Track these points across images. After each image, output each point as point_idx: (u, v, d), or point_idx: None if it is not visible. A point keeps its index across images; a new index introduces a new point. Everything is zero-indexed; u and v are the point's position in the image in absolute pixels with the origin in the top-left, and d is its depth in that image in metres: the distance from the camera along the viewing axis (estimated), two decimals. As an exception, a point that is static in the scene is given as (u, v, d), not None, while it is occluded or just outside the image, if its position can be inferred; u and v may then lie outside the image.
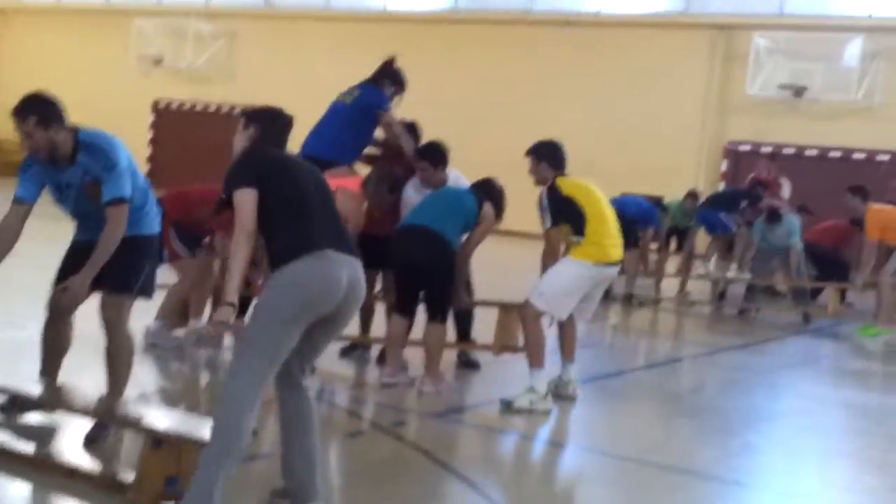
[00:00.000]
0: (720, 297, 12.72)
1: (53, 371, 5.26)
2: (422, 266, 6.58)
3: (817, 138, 19.94)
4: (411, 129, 7.44)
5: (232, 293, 4.00)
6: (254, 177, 4.08)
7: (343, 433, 5.75)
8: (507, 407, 6.31)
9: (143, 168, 26.61)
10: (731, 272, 12.47)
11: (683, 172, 20.15)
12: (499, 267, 12.14)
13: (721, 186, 20.76)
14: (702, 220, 13.18)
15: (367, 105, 7.14)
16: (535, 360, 6.40)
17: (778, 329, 11.57)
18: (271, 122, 4.32)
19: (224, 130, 19.10)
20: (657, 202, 13.57)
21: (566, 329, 6.69)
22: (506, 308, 7.12)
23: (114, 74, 26.62)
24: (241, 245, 4.00)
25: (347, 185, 6.74)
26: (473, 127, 21.29)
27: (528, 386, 6.38)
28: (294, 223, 4.06)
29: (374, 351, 7.56)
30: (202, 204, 7.10)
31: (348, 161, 7.20)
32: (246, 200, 4.04)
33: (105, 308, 4.99)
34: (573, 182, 6.53)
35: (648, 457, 5.71)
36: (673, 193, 15.30)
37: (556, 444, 6.17)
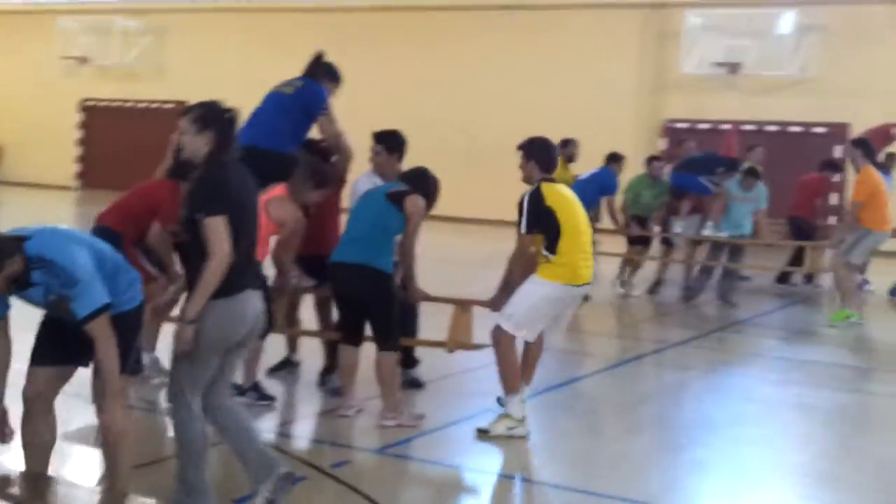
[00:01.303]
0: (656, 285, 12.82)
1: (41, 468, 4.54)
2: (359, 300, 6.41)
3: (754, 113, 19.96)
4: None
5: (194, 312, 4.36)
6: (226, 205, 4.35)
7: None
8: (484, 435, 6.20)
9: (73, 169, 26.58)
10: (708, 230, 12.28)
11: (621, 152, 20.03)
12: (435, 257, 11.79)
13: (661, 165, 20.76)
14: (676, 183, 12.82)
15: (308, 101, 6.89)
16: (510, 386, 6.25)
17: (718, 321, 11.56)
18: (228, 123, 4.51)
19: (156, 127, 19.19)
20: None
21: (531, 349, 6.47)
22: (461, 304, 6.94)
23: (39, 76, 26.00)
24: (217, 273, 4.32)
25: (276, 192, 6.58)
26: (411, 111, 21.04)
27: (504, 412, 6.25)
28: (234, 257, 4.36)
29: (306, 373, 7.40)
30: (150, 214, 6.83)
31: (285, 149, 6.92)
32: (222, 229, 4.33)
33: (97, 393, 4.41)
34: (558, 192, 6.26)
35: (594, 486, 5.55)
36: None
37: (506, 477, 5.99)
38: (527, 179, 6.36)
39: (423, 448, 6.22)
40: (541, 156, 6.31)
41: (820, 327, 11.32)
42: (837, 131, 19.36)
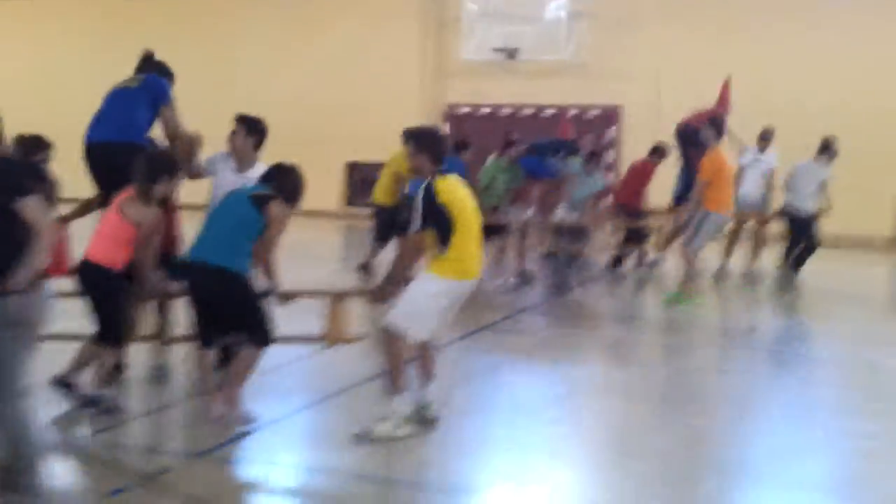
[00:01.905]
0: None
1: None
2: (216, 303, 6.23)
3: (532, 97, 20.57)
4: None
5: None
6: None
7: (101, 494, 5.25)
8: (366, 438, 6.00)
9: None
10: (561, 213, 12.44)
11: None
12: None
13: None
14: (527, 168, 12.86)
15: (156, 93, 6.99)
16: (397, 385, 6.14)
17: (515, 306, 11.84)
18: None
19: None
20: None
21: (425, 349, 6.36)
22: (336, 297, 6.84)
23: None
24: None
25: (124, 195, 6.32)
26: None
27: (388, 412, 6.11)
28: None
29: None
30: None
31: (139, 141, 6.85)
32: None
33: None
34: (452, 187, 6.07)
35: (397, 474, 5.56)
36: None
37: (332, 472, 5.92)
38: (417, 172, 6.22)
39: (250, 448, 6.09)
40: (432, 147, 6.11)
41: (637, 308, 11.78)
42: (610, 113, 20.23)
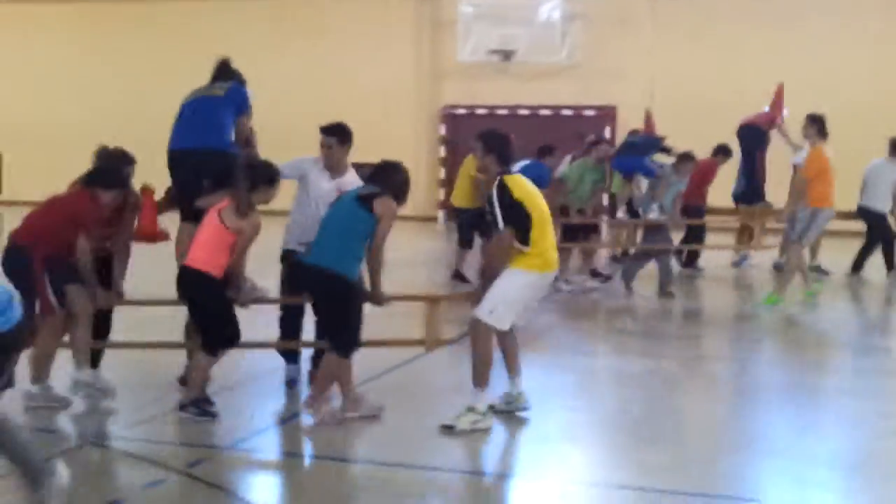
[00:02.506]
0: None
1: None
2: (317, 301, 6.44)
3: (528, 98, 20.78)
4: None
5: None
6: None
7: (140, 485, 5.42)
8: (449, 431, 6.17)
9: None
10: (654, 213, 12.12)
11: (403, 139, 20.37)
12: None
13: (442, 151, 21.30)
14: (620, 167, 12.88)
15: (239, 101, 7.01)
16: (481, 380, 6.27)
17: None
18: None
19: None
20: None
21: (507, 341, 6.55)
22: (432, 301, 7.00)
23: None
24: None
25: (224, 203, 6.40)
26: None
27: (468, 406, 6.24)
28: None
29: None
30: (70, 226, 6.53)
31: (231, 149, 6.87)
32: None
33: None
34: (522, 183, 6.32)
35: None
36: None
37: (347, 461, 6.10)
38: (485, 172, 6.45)
39: (263, 442, 6.27)
40: (500, 149, 6.36)
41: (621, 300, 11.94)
42: (606, 113, 20.45)
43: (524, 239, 6.22)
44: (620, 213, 13.25)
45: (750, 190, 14.03)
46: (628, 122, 19.02)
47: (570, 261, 12.25)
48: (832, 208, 11.25)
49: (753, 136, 13.91)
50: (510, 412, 6.60)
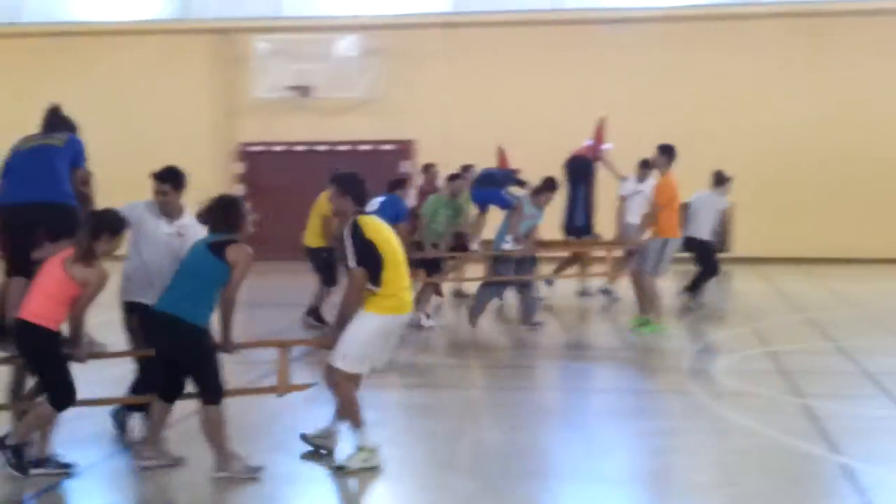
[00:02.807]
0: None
1: None
2: (174, 356, 6.21)
3: (326, 134, 20.81)
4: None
5: None
6: None
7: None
8: (341, 472, 6.19)
9: None
10: (508, 244, 12.03)
11: (200, 177, 19.82)
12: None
13: (239, 188, 21.05)
14: (479, 199, 12.82)
15: (77, 152, 6.86)
16: (355, 421, 6.30)
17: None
18: None
19: None
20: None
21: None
22: (283, 346, 6.82)
23: None
24: None
25: (66, 253, 6.13)
26: None
27: (357, 446, 6.27)
28: None
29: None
30: None
31: (71, 202, 6.65)
32: None
33: None
34: (375, 225, 6.34)
35: None
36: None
37: None
38: (340, 214, 6.42)
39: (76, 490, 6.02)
40: (355, 189, 6.38)
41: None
42: (404, 147, 20.71)
43: (375, 280, 6.26)
44: (475, 246, 13.37)
45: (585, 222, 14.30)
46: (426, 156, 19.34)
47: (430, 296, 12.28)
48: (680, 238, 11.67)
49: (580, 168, 14.22)
50: (317, 447, 6.57)
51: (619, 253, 13.47)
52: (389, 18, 20.61)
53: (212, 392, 6.16)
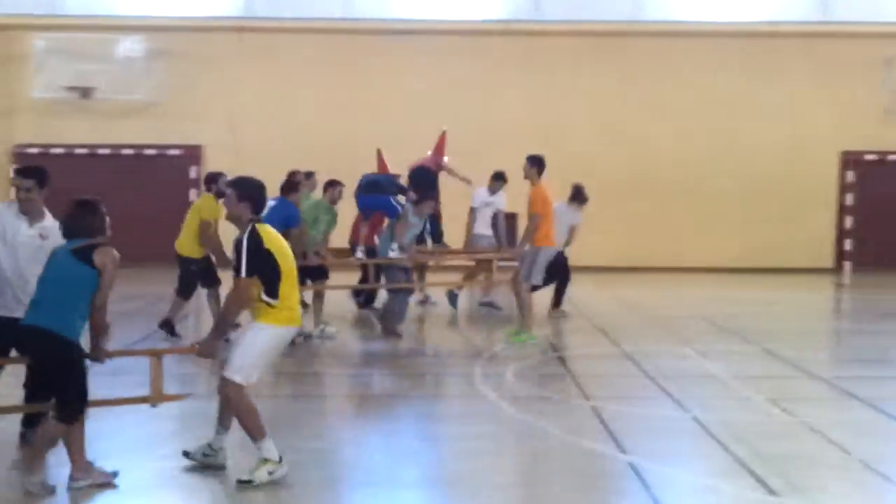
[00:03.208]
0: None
1: None
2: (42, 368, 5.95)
3: (109, 137, 20.06)
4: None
5: None
6: None
7: None
8: (248, 485, 6.01)
9: None
10: (395, 252, 11.75)
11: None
12: None
13: (12, 193, 20.00)
14: (365, 206, 12.51)
15: None
16: (257, 432, 6.12)
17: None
18: None
19: None
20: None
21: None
22: (157, 355, 6.58)
23: None
24: None
25: None
26: None
27: (261, 458, 6.09)
28: None
29: None
30: None
31: None
32: None
33: None
34: (273, 235, 6.15)
35: None
36: None
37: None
38: (236, 220, 6.16)
39: None
40: (254, 196, 6.18)
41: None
42: (192, 152, 20.21)
43: (273, 292, 6.11)
44: (359, 254, 13.12)
45: (434, 230, 14.29)
46: (214, 162, 18.96)
47: (322, 304, 11.96)
48: (555, 247, 11.87)
49: (424, 179, 14.14)
50: (206, 465, 6.38)
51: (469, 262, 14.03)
52: (177, 20, 20.06)
53: (68, 411, 5.89)
